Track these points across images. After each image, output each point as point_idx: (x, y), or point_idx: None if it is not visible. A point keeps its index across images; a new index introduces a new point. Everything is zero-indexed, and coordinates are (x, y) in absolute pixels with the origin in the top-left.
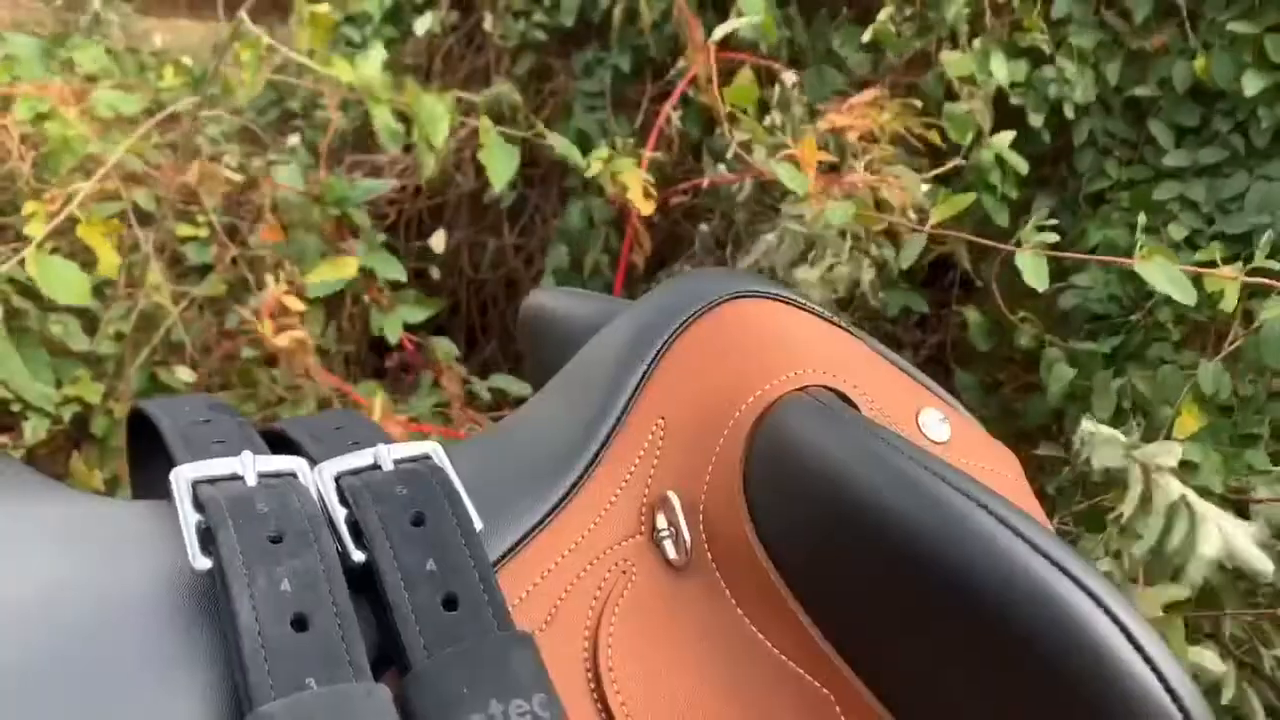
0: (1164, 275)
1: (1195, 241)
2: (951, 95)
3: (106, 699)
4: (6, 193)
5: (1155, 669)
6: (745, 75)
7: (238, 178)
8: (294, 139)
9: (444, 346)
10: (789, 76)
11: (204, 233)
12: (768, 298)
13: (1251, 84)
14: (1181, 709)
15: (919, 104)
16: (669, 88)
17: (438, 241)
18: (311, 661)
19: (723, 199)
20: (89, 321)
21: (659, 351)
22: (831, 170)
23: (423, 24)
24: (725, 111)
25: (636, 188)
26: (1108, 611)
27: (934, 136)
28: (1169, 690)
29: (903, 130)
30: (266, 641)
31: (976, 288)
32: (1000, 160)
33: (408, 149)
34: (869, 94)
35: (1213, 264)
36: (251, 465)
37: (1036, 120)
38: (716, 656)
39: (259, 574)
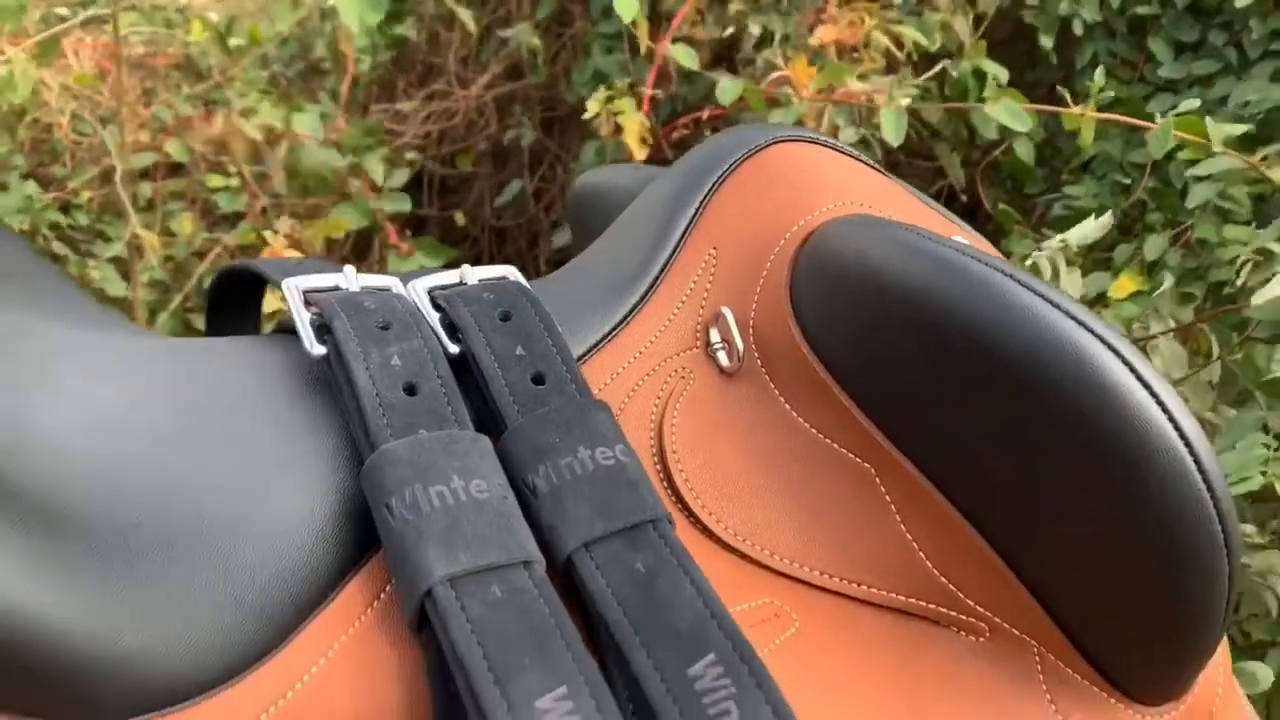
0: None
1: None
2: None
3: (247, 454)
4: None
5: (1170, 415)
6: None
7: (258, 136)
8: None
9: None
10: None
11: (234, 182)
12: (807, 141)
13: None
14: (1190, 449)
15: (894, 12)
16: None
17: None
18: (422, 417)
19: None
20: (125, 269)
21: (710, 190)
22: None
23: None
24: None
25: (633, 131)
26: (1124, 361)
27: (914, 34)
28: (1180, 433)
29: (886, 40)
30: (383, 401)
31: (979, 215)
32: (978, 72)
33: (429, 98)
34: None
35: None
36: (354, 277)
37: (1048, 42)
38: (766, 442)
39: (372, 351)
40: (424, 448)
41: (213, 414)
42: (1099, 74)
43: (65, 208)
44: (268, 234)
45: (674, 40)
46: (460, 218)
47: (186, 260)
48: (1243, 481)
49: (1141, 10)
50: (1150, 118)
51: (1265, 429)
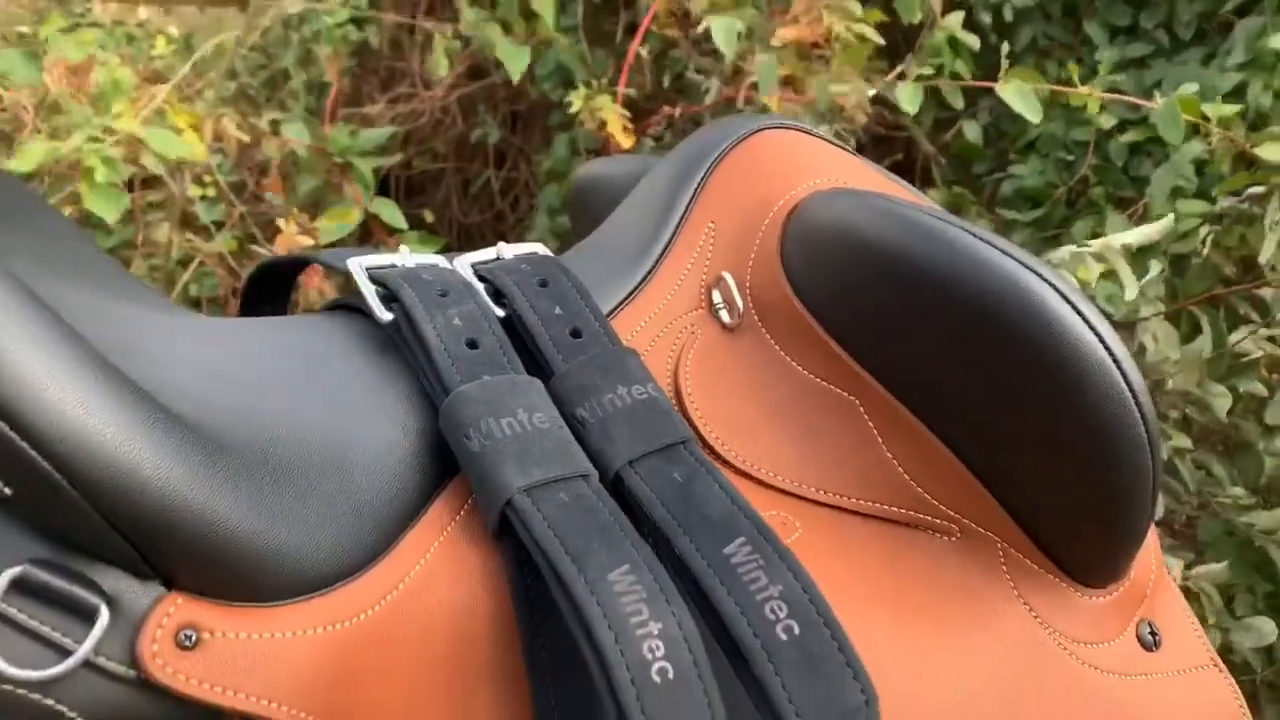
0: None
1: (1124, 127)
2: None
3: (340, 399)
4: None
5: (1103, 342)
6: None
7: (245, 138)
8: (290, 105)
9: None
10: None
11: (212, 192)
12: (789, 128)
13: None
14: (1119, 368)
15: (855, 7)
16: (639, 19)
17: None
18: (484, 366)
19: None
20: None
21: (705, 173)
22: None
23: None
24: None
25: (615, 123)
26: (1066, 299)
27: (871, 34)
28: (1111, 356)
29: (846, 32)
30: (450, 353)
31: (934, 186)
32: (953, 41)
33: (394, 100)
34: None
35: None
36: (408, 256)
37: (984, 16)
38: (766, 384)
39: (436, 314)
40: (491, 389)
41: (303, 369)
42: (1106, 55)
43: None
44: (281, 222)
45: (645, 40)
46: (429, 215)
47: (173, 270)
48: None
49: None
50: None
51: None
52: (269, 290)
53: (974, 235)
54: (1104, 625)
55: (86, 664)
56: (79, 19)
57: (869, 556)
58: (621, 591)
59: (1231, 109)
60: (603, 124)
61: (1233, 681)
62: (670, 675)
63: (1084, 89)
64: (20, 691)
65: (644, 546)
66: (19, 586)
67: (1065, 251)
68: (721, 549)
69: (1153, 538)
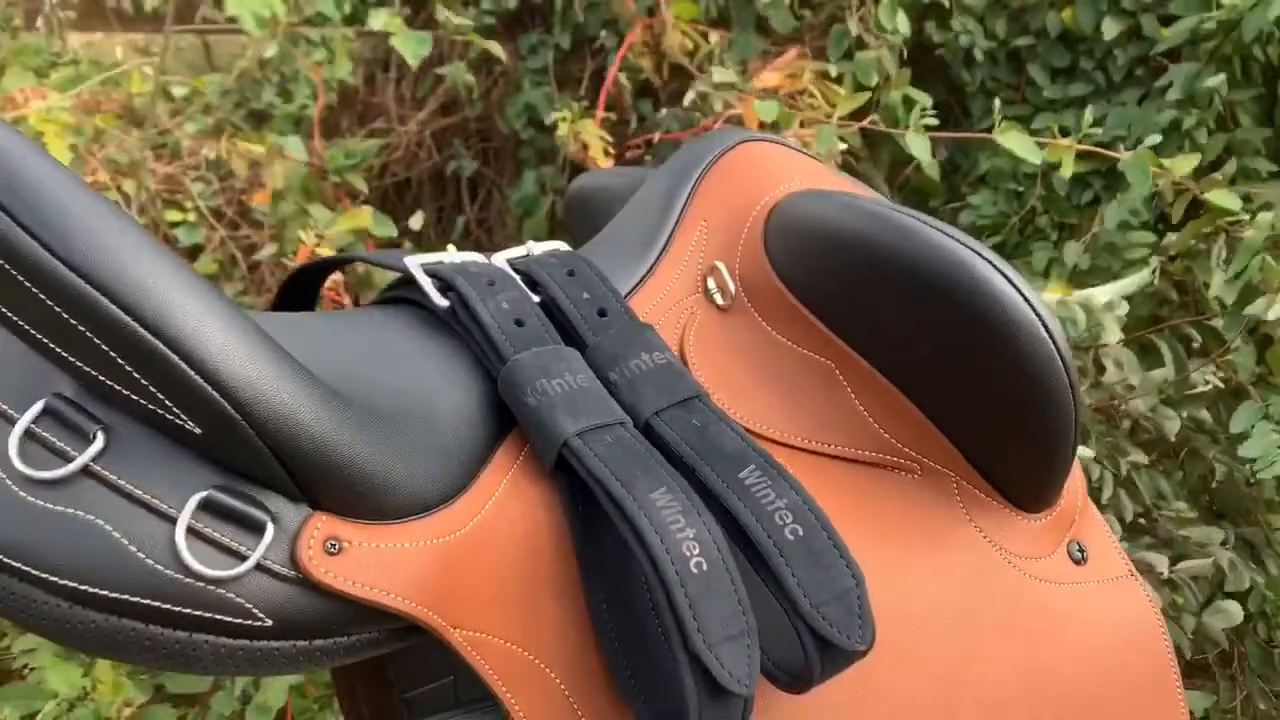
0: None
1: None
2: (862, 46)
3: (413, 369)
4: None
5: (1034, 308)
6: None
7: (258, 149)
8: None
9: None
10: (714, 36)
11: (191, 217)
12: (769, 141)
13: (1109, 29)
14: (1046, 329)
15: (830, 69)
16: (607, 61)
17: (416, 221)
18: (531, 340)
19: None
20: None
21: (697, 180)
22: (772, 127)
23: (378, 19)
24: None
25: (596, 145)
26: (1004, 275)
27: (839, 97)
28: (1040, 320)
29: (817, 91)
30: (504, 330)
31: None
32: (907, 99)
33: (370, 134)
34: (790, 55)
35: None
36: (454, 254)
37: (958, 68)
38: (756, 355)
39: (488, 299)
40: (541, 357)
41: (376, 349)
42: (1048, 94)
43: None
44: (301, 234)
45: (622, 68)
46: (407, 245)
47: None
48: (1270, 466)
49: (1019, 42)
50: (1034, 134)
51: (1267, 416)
52: (295, 294)
53: (926, 223)
54: (1041, 543)
55: (258, 566)
56: (55, 58)
57: (847, 493)
58: (662, 506)
59: (1188, 162)
60: (585, 146)
61: (1149, 588)
62: (705, 567)
63: (1064, 142)
64: (211, 587)
65: (675, 474)
66: (205, 506)
67: (1051, 299)
68: (737, 474)
69: (1078, 472)
